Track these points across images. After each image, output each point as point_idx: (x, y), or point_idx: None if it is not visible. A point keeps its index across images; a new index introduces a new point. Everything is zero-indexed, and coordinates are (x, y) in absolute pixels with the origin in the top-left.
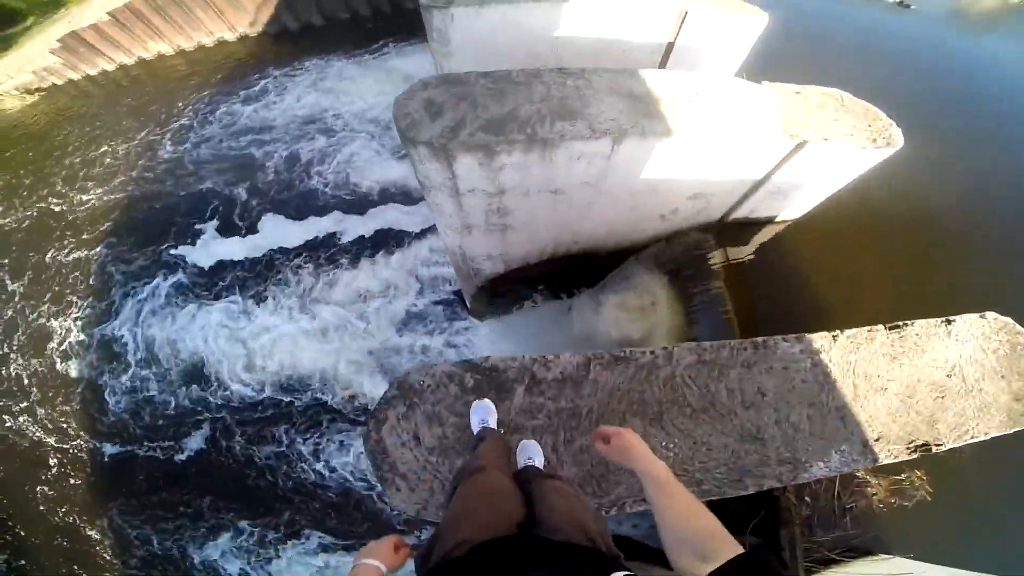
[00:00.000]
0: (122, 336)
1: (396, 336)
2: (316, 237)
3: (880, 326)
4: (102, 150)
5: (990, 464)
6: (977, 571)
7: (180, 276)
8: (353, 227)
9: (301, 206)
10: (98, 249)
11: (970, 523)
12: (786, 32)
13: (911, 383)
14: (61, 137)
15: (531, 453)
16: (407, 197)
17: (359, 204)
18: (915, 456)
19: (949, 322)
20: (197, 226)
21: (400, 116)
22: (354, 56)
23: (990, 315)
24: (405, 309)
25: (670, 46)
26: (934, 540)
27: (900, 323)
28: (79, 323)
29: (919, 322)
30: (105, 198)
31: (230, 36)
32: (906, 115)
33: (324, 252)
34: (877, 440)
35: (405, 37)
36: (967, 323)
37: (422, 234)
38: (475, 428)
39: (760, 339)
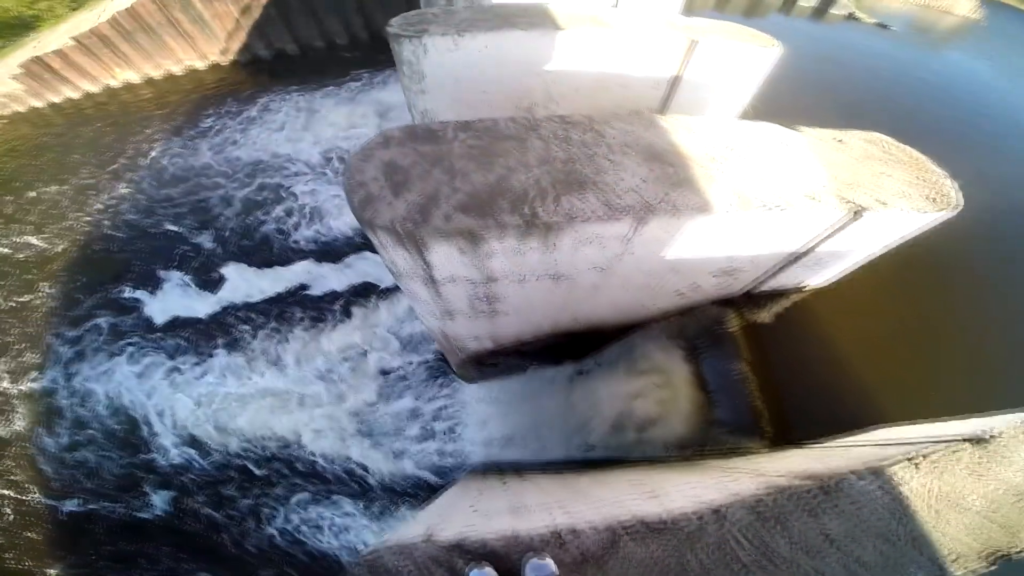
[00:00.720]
0: (65, 389)
1: (373, 400)
2: (285, 290)
3: (966, 444)
4: (55, 188)
5: None
6: None
7: (131, 329)
8: (324, 279)
9: (267, 255)
10: (42, 297)
11: None
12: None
13: (995, 497)
14: (13, 168)
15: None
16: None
17: (329, 253)
18: (994, 567)
19: None
20: (153, 275)
21: (354, 187)
22: (328, 88)
23: None
24: (383, 369)
25: (676, 80)
26: None
27: (986, 435)
28: (14, 375)
29: (1005, 425)
30: (54, 241)
31: (200, 64)
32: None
33: (292, 307)
34: (954, 560)
35: (382, 67)
36: None
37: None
38: None
39: (830, 479)
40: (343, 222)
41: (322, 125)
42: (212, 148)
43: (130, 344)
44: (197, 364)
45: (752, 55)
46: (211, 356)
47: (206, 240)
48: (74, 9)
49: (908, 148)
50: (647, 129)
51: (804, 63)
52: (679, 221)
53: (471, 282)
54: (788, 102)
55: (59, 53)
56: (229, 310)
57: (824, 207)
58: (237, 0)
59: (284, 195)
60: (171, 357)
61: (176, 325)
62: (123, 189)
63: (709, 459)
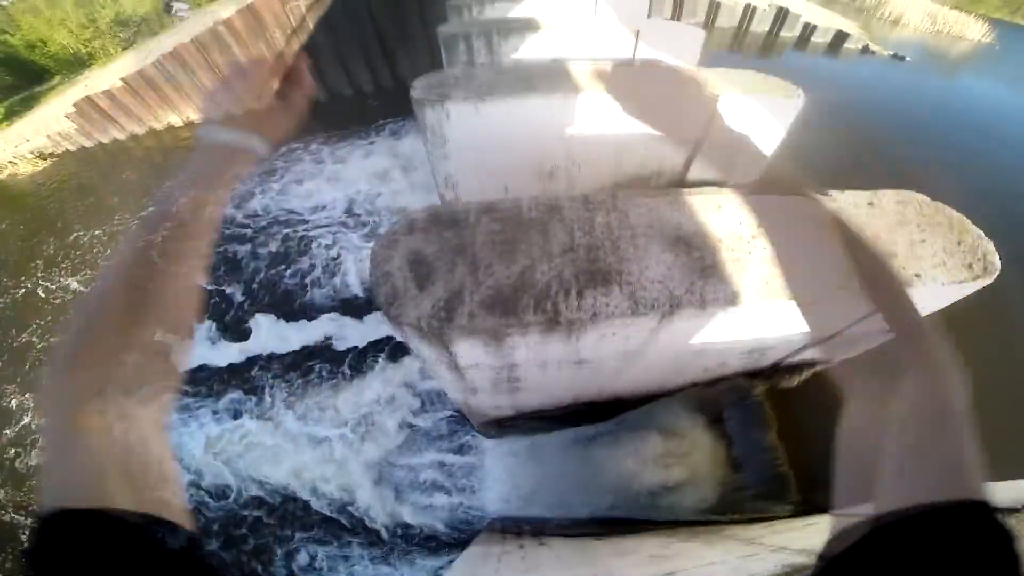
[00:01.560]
0: None
1: (391, 451)
2: (307, 343)
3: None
4: (94, 231)
5: None
6: None
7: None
8: (346, 334)
9: (292, 308)
10: None
11: None
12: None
13: None
14: (58, 209)
15: None
16: None
17: (353, 309)
18: None
19: None
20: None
21: (380, 280)
22: (355, 137)
23: None
24: (402, 422)
25: (699, 138)
26: None
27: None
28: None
29: None
30: (90, 284)
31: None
32: None
33: (313, 359)
34: None
35: (405, 115)
36: None
37: None
38: None
39: None
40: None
41: (346, 177)
42: (240, 197)
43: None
44: (218, 410)
45: (774, 107)
46: (232, 402)
47: (233, 291)
48: (124, 48)
49: (944, 208)
50: (673, 208)
51: (826, 105)
52: (706, 312)
53: (494, 368)
54: (814, 149)
55: (108, 93)
56: (254, 360)
57: (854, 296)
58: (271, 47)
59: (311, 250)
60: (195, 401)
61: (202, 372)
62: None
63: (735, 525)
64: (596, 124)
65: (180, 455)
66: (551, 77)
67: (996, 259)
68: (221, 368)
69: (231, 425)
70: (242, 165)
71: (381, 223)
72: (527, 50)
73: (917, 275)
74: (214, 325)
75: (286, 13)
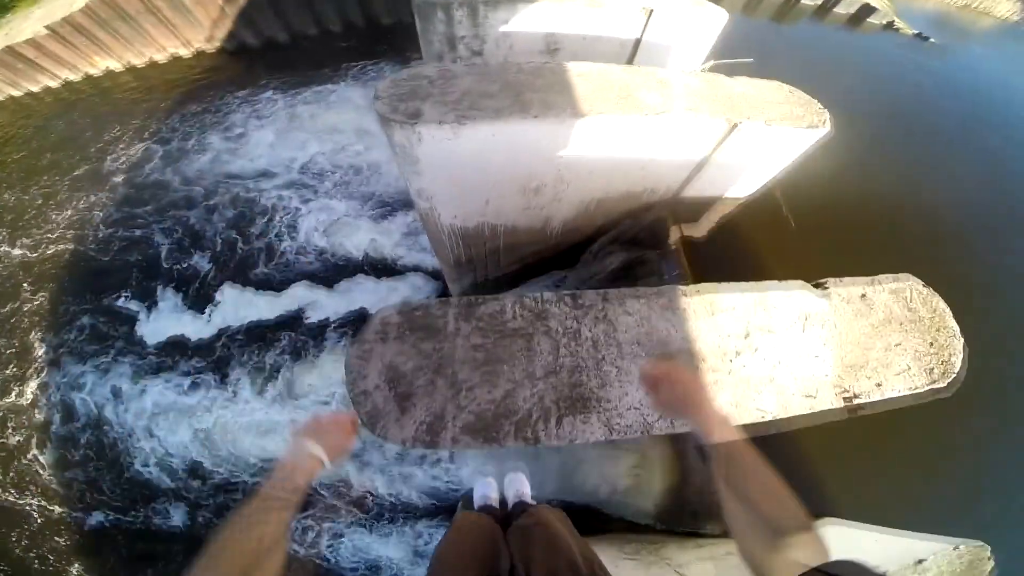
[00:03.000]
0: (57, 406)
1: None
2: (282, 314)
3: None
4: (34, 190)
5: None
6: None
7: (122, 351)
8: (322, 304)
9: (261, 276)
10: (22, 314)
11: None
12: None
13: None
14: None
15: (518, 486)
16: (386, 268)
17: (328, 276)
18: None
19: None
20: (140, 296)
21: (358, 398)
22: (322, 83)
23: None
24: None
25: (703, 162)
26: None
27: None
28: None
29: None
30: (34, 254)
31: (185, 52)
32: None
33: (291, 332)
34: None
35: (379, 57)
36: None
37: None
38: (477, 504)
39: None
40: (344, 243)
41: (318, 128)
42: (199, 154)
43: (115, 360)
44: (189, 385)
45: (795, 136)
46: (202, 377)
47: (193, 256)
48: None
49: (933, 298)
50: (664, 316)
51: (848, 93)
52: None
53: None
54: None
55: (32, 42)
56: (226, 332)
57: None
58: None
59: (278, 211)
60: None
61: (174, 345)
62: (102, 195)
63: (674, 538)
64: (593, 145)
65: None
66: (544, 87)
67: (958, 363)
68: (190, 339)
69: (202, 400)
70: None
71: (349, 182)
72: (519, 25)
73: (878, 384)
74: (175, 295)
75: None
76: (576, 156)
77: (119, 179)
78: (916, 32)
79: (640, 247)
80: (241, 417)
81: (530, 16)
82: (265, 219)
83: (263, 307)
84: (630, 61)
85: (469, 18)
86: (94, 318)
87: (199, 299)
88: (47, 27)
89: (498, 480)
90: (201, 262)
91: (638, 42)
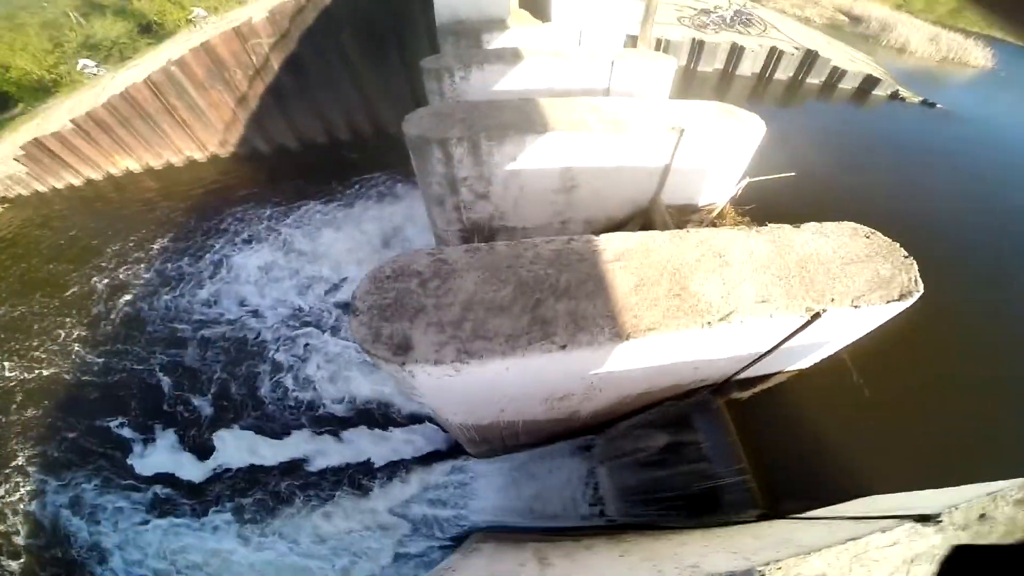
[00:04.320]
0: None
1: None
2: (279, 463)
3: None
4: (32, 308)
5: None
6: None
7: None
8: (323, 453)
9: (262, 422)
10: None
11: None
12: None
13: None
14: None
15: None
16: (386, 419)
17: (329, 424)
18: None
19: None
20: (135, 432)
21: None
22: (331, 197)
23: None
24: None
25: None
26: None
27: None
28: None
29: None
30: (30, 374)
31: (200, 156)
32: None
33: (288, 482)
34: None
35: (385, 168)
36: None
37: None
38: None
39: None
40: (344, 391)
41: (324, 254)
42: (198, 280)
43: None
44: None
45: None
46: (198, 516)
47: (194, 396)
48: (111, 67)
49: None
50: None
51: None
52: None
53: None
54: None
55: (58, 135)
56: (219, 474)
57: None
58: (232, 89)
59: (282, 352)
60: (152, 510)
61: (167, 483)
62: (110, 324)
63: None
64: (637, 357)
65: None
66: (571, 287)
67: None
68: (183, 481)
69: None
70: None
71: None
72: (530, 161)
73: None
74: (172, 436)
75: (247, 52)
76: (615, 370)
77: (117, 302)
78: (922, 99)
79: (681, 427)
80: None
81: (542, 149)
82: (266, 359)
83: (265, 453)
84: (659, 189)
85: (470, 155)
86: (86, 441)
87: (197, 442)
88: (72, 121)
89: None
90: (200, 402)
91: (667, 168)
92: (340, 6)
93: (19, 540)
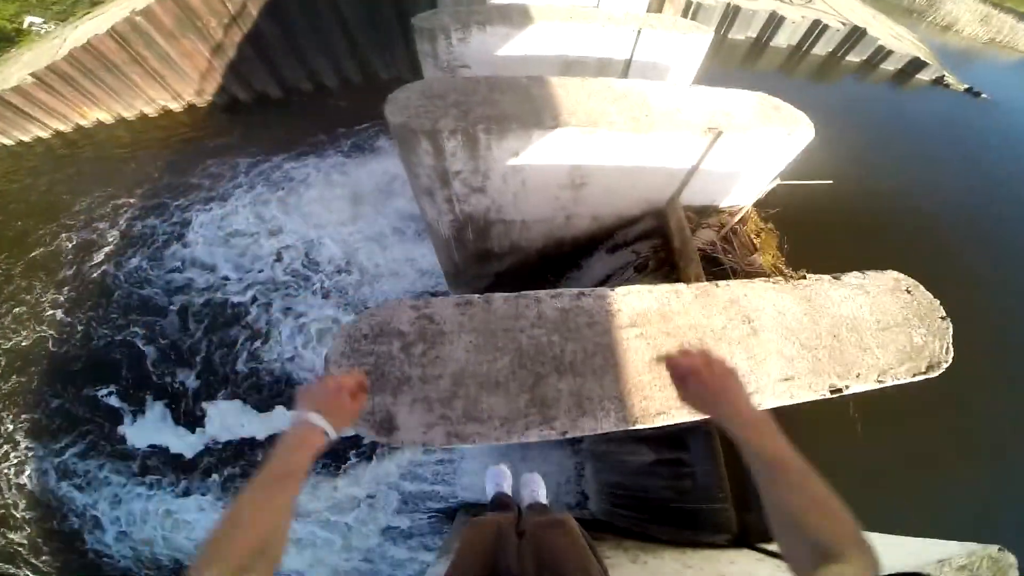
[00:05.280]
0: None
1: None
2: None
3: None
4: (7, 266)
5: None
6: None
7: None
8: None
9: (248, 391)
10: None
11: None
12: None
13: None
14: None
15: (534, 486)
16: None
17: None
18: None
19: None
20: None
21: None
22: (313, 150)
23: None
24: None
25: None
26: None
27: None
28: None
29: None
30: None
31: (175, 105)
32: None
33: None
34: None
35: (376, 119)
36: None
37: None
38: (489, 493)
39: None
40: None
41: (312, 215)
42: (177, 237)
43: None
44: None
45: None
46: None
47: (177, 363)
48: (61, 21)
49: None
50: None
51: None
52: None
53: None
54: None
55: (19, 90)
56: (211, 448)
57: None
58: (206, 38)
59: (269, 317)
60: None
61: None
62: (89, 279)
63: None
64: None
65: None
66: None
67: None
68: (175, 454)
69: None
70: None
71: (346, 289)
72: (534, 157)
73: None
74: (159, 405)
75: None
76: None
77: (88, 263)
78: (967, 87)
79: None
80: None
81: (551, 145)
82: (249, 324)
83: (249, 425)
84: (680, 190)
85: (466, 149)
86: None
87: (185, 413)
88: (32, 74)
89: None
90: (185, 371)
91: (693, 170)
92: None
93: (15, 512)
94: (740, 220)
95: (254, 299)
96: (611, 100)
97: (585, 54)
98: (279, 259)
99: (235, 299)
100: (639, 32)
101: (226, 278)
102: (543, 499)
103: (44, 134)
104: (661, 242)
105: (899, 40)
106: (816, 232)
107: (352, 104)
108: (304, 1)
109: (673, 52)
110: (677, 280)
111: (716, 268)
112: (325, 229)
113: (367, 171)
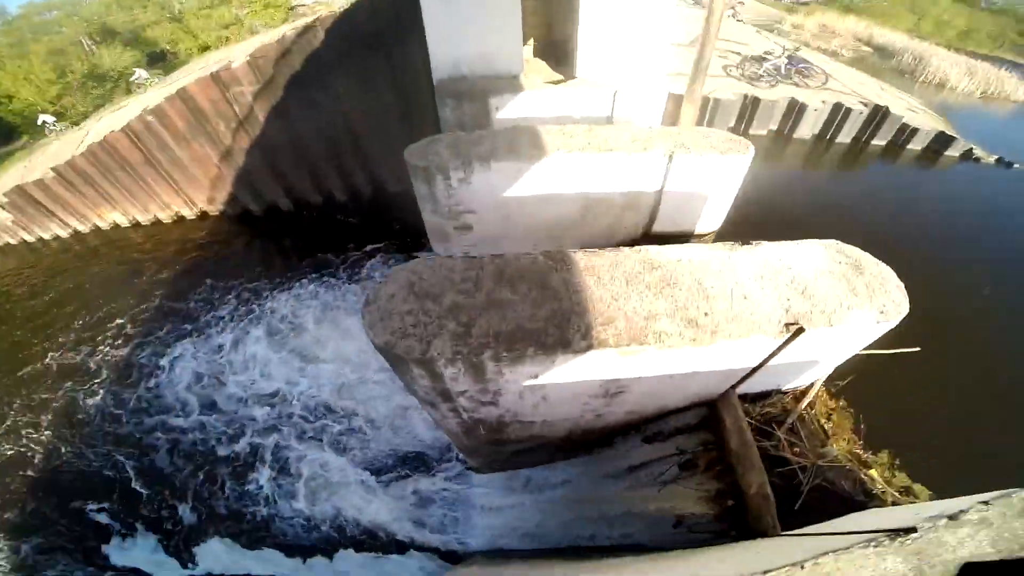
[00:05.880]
0: None
1: None
2: None
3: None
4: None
5: None
6: None
7: None
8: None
9: (247, 533)
10: None
11: None
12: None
13: None
14: None
15: None
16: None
17: (320, 547)
18: None
19: None
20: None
21: None
22: (323, 277)
23: None
24: None
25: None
26: None
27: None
28: None
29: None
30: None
31: (188, 213)
32: None
33: None
34: None
35: (386, 242)
36: None
37: None
38: None
39: None
40: (340, 510)
41: (317, 352)
42: (179, 366)
43: None
44: None
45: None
46: None
47: (177, 498)
48: (97, 107)
49: None
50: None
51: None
52: None
53: None
54: None
55: (40, 184)
56: None
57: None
58: (215, 143)
59: (271, 458)
60: None
61: None
62: (90, 412)
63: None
64: None
65: None
66: None
67: None
68: None
69: None
70: None
71: (350, 442)
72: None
73: None
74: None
75: (227, 101)
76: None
77: (78, 389)
78: (997, 158)
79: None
80: None
81: (579, 366)
82: (249, 465)
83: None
84: (740, 383)
85: (469, 375)
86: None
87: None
88: (53, 169)
89: None
90: (180, 506)
91: (760, 367)
92: (330, 49)
93: None
94: (808, 404)
95: (264, 439)
96: (655, 288)
97: (609, 189)
98: (272, 402)
99: (241, 434)
100: (671, 157)
101: (208, 418)
102: None
103: (63, 233)
104: (713, 439)
105: (916, 113)
106: (897, 402)
107: (363, 220)
108: (307, 101)
109: (711, 176)
110: (733, 484)
111: (781, 468)
112: (347, 371)
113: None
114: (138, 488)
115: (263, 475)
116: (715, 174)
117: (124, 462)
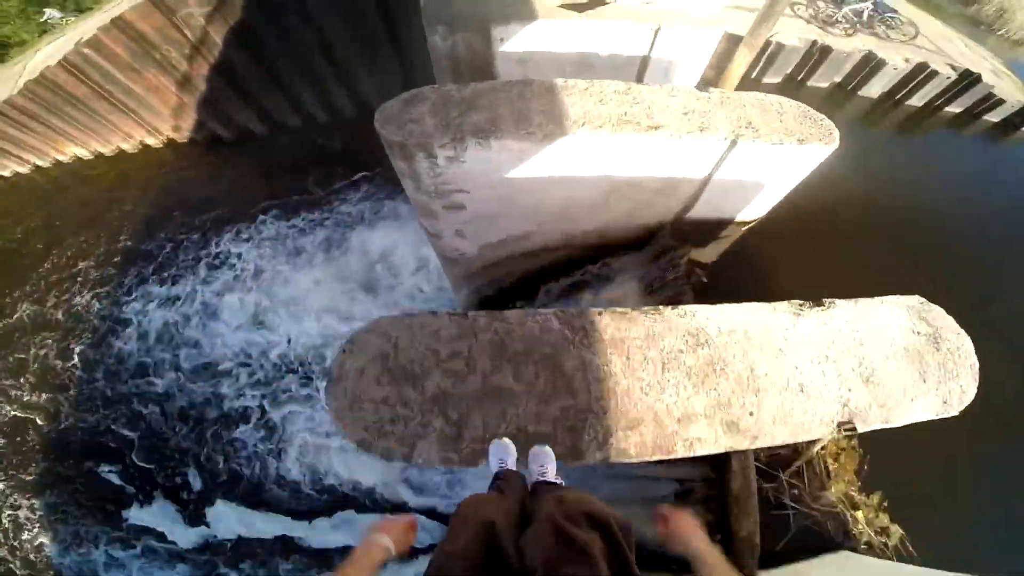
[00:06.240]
0: None
1: None
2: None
3: None
4: None
5: None
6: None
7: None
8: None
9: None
10: None
11: None
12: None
13: None
14: None
15: (543, 461)
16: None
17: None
18: None
19: None
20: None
21: None
22: (302, 212)
23: None
24: None
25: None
26: None
27: None
28: None
29: None
30: None
31: (153, 141)
32: None
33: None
34: None
35: (374, 171)
36: None
37: None
38: (493, 468)
39: None
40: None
41: (297, 299)
42: (159, 318)
43: None
44: None
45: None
46: None
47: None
48: (42, 34)
49: None
50: None
51: None
52: None
53: None
54: None
55: None
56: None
57: None
58: (168, 71)
59: (253, 417)
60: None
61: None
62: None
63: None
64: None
65: None
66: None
67: None
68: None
69: None
70: None
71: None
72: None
73: None
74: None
75: (175, 25)
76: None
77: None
78: None
79: None
80: None
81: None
82: (237, 426)
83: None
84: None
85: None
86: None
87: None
88: None
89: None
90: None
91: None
92: None
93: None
94: (821, 447)
95: (238, 392)
96: (697, 375)
97: (643, 174)
98: (265, 355)
99: (218, 393)
100: (733, 143)
101: (181, 368)
102: (552, 476)
103: (23, 169)
104: (714, 476)
105: (999, 78)
106: (902, 445)
107: (346, 143)
108: (274, 21)
109: (778, 166)
110: (725, 520)
111: (775, 511)
112: (331, 323)
113: (367, 243)
114: (131, 450)
115: (254, 435)
116: (784, 165)
117: (114, 420)
